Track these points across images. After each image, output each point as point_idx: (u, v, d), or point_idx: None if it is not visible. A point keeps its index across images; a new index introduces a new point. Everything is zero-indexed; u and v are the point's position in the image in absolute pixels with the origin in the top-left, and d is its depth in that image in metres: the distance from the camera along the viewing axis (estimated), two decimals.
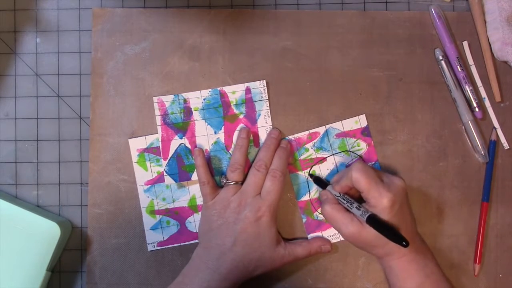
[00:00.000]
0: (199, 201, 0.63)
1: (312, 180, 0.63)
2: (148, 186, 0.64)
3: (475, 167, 0.64)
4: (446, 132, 0.64)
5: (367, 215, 0.55)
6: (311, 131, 0.64)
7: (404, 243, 0.53)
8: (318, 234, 0.63)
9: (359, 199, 0.58)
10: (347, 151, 0.64)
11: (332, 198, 0.60)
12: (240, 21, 0.64)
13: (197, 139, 0.63)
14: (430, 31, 0.64)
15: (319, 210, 0.63)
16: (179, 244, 0.63)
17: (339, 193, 0.59)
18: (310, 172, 0.63)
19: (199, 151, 0.62)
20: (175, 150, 0.63)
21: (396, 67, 0.64)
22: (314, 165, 0.64)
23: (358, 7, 0.65)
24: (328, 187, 0.61)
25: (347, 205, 0.58)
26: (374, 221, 0.55)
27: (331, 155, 0.64)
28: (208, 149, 0.63)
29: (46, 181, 0.65)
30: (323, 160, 0.64)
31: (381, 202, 0.55)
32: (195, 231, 0.63)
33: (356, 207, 0.57)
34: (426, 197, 0.64)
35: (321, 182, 0.62)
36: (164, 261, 0.63)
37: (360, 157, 0.63)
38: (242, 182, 0.61)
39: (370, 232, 0.55)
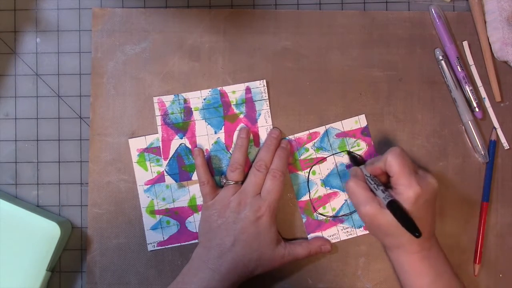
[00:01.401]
0: (199, 201, 0.63)
1: (348, 157, 0.63)
2: (148, 186, 0.64)
3: (475, 167, 0.64)
4: (446, 132, 0.64)
5: (389, 200, 0.54)
6: (311, 131, 0.64)
7: (417, 233, 0.52)
8: (318, 234, 0.63)
9: (387, 186, 0.58)
10: (347, 151, 0.64)
11: (360, 175, 0.59)
12: (240, 21, 0.64)
13: (197, 139, 0.63)
14: (430, 31, 0.64)
15: (319, 210, 0.63)
16: (179, 244, 0.63)
17: (370, 174, 0.58)
18: (348, 151, 0.63)
19: (199, 151, 0.62)
20: (176, 150, 0.63)
21: (396, 67, 0.64)
22: (314, 165, 0.64)
23: (358, 7, 0.65)
24: (361, 166, 0.60)
25: (373, 186, 0.57)
26: (394, 206, 0.54)
27: (331, 155, 0.64)
28: (209, 149, 0.63)
29: (46, 181, 0.65)
30: (323, 160, 0.64)
31: (407, 191, 0.54)
32: (195, 231, 0.63)
33: (381, 189, 0.56)
34: None
35: (355, 161, 0.62)
36: (164, 261, 0.63)
37: (360, 157, 0.63)
38: (242, 182, 0.61)
39: (387, 218, 0.55)
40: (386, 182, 0.59)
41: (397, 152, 0.56)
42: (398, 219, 0.53)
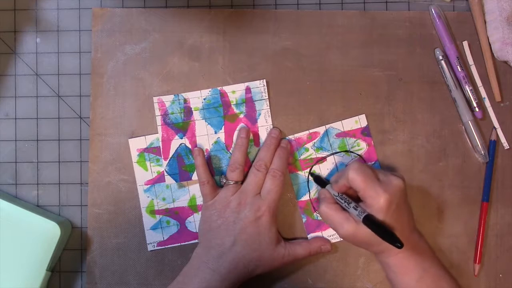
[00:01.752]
0: (199, 201, 0.63)
1: (312, 179, 0.63)
2: (148, 186, 0.64)
3: (475, 167, 0.64)
4: (446, 132, 0.64)
5: (363, 215, 0.55)
6: (311, 131, 0.64)
7: (398, 244, 0.52)
8: (318, 234, 0.63)
9: (358, 199, 0.58)
10: (347, 151, 0.64)
11: (329, 197, 0.59)
12: (240, 21, 0.64)
13: (197, 139, 0.63)
14: (430, 31, 0.64)
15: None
16: (179, 244, 0.63)
17: (338, 193, 0.59)
18: (311, 172, 0.63)
19: (199, 150, 0.62)
20: (176, 150, 0.63)
21: (396, 67, 0.64)
22: (314, 165, 0.64)
23: (358, 7, 0.65)
24: (327, 186, 0.61)
25: (345, 205, 0.57)
26: (370, 221, 0.54)
27: (331, 155, 0.64)
28: (209, 149, 0.63)
29: (46, 181, 0.65)
30: (323, 160, 0.64)
31: (377, 201, 0.55)
32: (195, 231, 0.63)
33: (353, 207, 0.56)
34: (426, 197, 0.64)
35: (321, 181, 0.62)
36: (164, 261, 0.63)
37: (361, 157, 0.63)
38: (242, 182, 0.61)
39: (366, 232, 0.55)
40: (355, 195, 0.59)
41: (355, 167, 0.56)
42: (377, 233, 0.54)
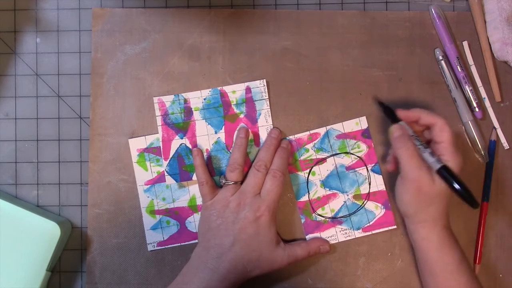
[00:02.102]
0: (199, 201, 0.63)
1: (380, 107, 0.60)
2: (148, 186, 0.64)
3: (475, 167, 0.64)
4: None
5: (440, 165, 0.53)
6: (311, 131, 0.64)
7: (475, 203, 0.51)
8: (317, 235, 0.63)
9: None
10: (347, 152, 0.64)
11: (409, 136, 0.56)
12: (240, 21, 0.64)
13: (197, 139, 0.63)
14: (430, 31, 0.64)
15: (318, 211, 0.63)
16: (179, 244, 0.64)
17: (413, 132, 0.56)
18: (379, 100, 0.60)
19: (198, 151, 0.62)
20: (176, 150, 0.63)
21: (396, 67, 0.64)
22: (314, 165, 0.64)
23: (358, 7, 0.65)
24: (401, 123, 0.57)
25: (421, 147, 0.55)
26: (447, 172, 0.53)
27: (331, 156, 0.64)
28: (209, 149, 0.63)
29: (46, 181, 0.65)
30: (323, 161, 0.64)
31: (455, 161, 0.54)
32: (195, 231, 0.63)
33: (429, 152, 0.54)
34: None
35: (390, 113, 0.58)
36: (164, 261, 0.63)
37: (360, 158, 0.63)
38: (241, 182, 0.61)
39: (437, 187, 0.53)
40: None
41: (445, 121, 0.56)
42: (452, 186, 0.52)
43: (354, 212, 0.63)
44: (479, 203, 0.51)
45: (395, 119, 0.58)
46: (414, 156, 0.54)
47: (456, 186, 0.53)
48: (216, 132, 0.64)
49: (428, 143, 0.59)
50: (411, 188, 0.55)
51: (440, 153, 0.55)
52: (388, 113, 0.59)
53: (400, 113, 0.58)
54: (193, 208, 0.64)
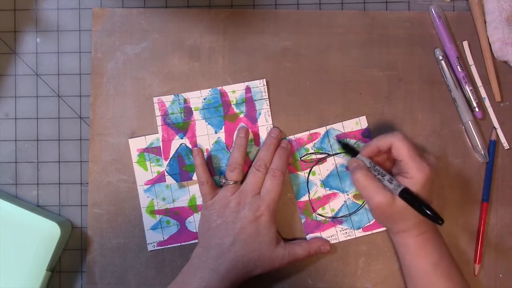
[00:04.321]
0: (199, 201, 0.63)
1: (339, 145, 0.62)
2: (148, 186, 0.64)
3: (475, 167, 0.64)
4: (446, 132, 0.64)
5: (400, 189, 0.54)
6: (311, 131, 0.64)
7: (440, 221, 0.52)
8: (317, 234, 0.63)
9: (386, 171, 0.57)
10: (337, 140, 0.63)
11: (363, 166, 0.58)
12: (240, 21, 0.64)
13: (197, 138, 0.63)
14: (430, 31, 0.64)
15: (318, 211, 0.63)
16: (179, 244, 0.64)
17: (370, 163, 0.58)
18: (339, 139, 0.63)
19: (198, 150, 0.62)
20: (176, 150, 0.63)
21: (396, 67, 0.64)
22: (314, 165, 0.64)
23: (358, 7, 0.65)
24: (359, 156, 0.59)
25: (378, 177, 0.56)
26: (408, 195, 0.54)
27: (331, 156, 0.64)
28: (209, 149, 0.63)
29: (46, 181, 0.65)
30: (323, 160, 0.64)
31: (419, 174, 0.54)
32: (195, 231, 0.63)
33: (388, 179, 0.55)
34: None
35: (349, 149, 0.61)
36: (164, 261, 0.63)
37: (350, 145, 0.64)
38: (241, 182, 0.61)
39: (401, 205, 0.54)
40: (381, 163, 0.58)
41: (402, 136, 0.56)
42: (415, 207, 0.53)
43: (355, 212, 0.63)
44: (443, 220, 0.52)
45: (354, 154, 0.60)
46: (369, 183, 0.56)
47: (418, 207, 0.54)
48: (216, 132, 0.64)
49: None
50: (375, 212, 0.57)
51: (404, 171, 0.56)
52: (348, 150, 0.62)
53: (361, 150, 0.59)
54: (193, 208, 0.64)
